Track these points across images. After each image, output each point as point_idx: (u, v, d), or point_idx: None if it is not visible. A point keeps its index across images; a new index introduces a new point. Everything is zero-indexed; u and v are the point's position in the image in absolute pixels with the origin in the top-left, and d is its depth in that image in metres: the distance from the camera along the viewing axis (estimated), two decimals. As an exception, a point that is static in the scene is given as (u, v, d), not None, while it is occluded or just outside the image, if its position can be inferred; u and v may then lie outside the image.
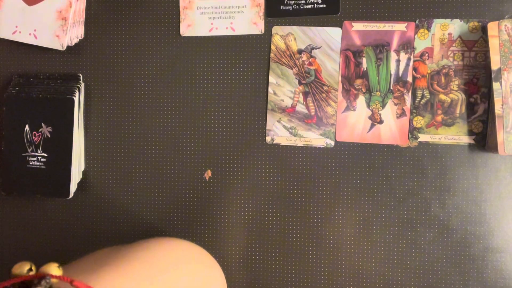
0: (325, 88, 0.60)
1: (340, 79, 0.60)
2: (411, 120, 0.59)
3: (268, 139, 0.61)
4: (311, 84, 0.60)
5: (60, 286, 0.33)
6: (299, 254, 0.61)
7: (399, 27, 0.59)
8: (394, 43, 0.59)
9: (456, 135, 0.58)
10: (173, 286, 0.46)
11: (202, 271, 0.53)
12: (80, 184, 0.63)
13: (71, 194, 0.60)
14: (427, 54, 0.58)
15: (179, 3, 0.62)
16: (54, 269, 0.34)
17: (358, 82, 0.59)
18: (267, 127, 0.61)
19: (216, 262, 0.57)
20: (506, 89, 0.53)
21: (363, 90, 0.59)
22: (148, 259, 0.47)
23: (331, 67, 0.60)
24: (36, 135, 0.60)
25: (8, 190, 0.61)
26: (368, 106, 0.59)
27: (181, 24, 0.62)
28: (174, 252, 0.52)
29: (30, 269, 0.34)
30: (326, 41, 0.60)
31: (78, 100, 0.61)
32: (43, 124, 0.60)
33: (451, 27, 0.58)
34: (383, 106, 0.59)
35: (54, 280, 0.33)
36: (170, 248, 0.52)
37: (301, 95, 0.60)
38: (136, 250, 0.48)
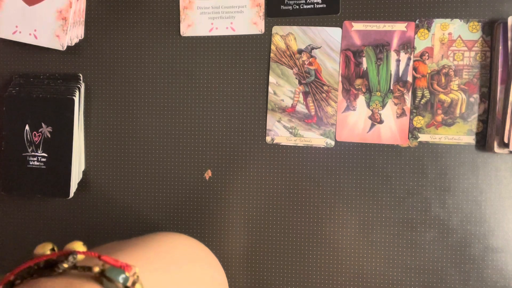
0: (325, 88, 0.60)
1: (340, 79, 0.60)
2: (411, 120, 0.59)
3: (268, 139, 0.61)
4: (311, 84, 0.60)
5: (85, 264, 0.32)
6: (299, 253, 0.61)
7: (399, 27, 0.59)
8: (394, 43, 0.59)
9: (456, 135, 0.58)
10: (182, 279, 0.46)
11: (207, 268, 0.53)
12: (80, 184, 0.63)
13: (71, 194, 0.60)
14: (427, 54, 0.58)
15: (179, 3, 0.62)
16: (79, 246, 0.33)
17: (358, 82, 0.59)
18: (267, 127, 0.61)
19: (218, 261, 0.57)
20: None
21: (363, 90, 0.59)
22: (161, 251, 0.46)
23: (331, 67, 0.60)
24: (36, 135, 0.60)
25: (8, 190, 0.61)
26: (368, 106, 0.59)
27: (181, 24, 0.62)
28: (183, 247, 0.52)
29: (53, 249, 0.33)
30: (326, 41, 0.60)
31: (78, 100, 0.61)
32: (43, 124, 0.60)
33: (451, 27, 0.58)
34: (383, 106, 0.59)
35: (80, 257, 0.32)
36: (178, 243, 0.52)
37: (301, 95, 0.60)
38: (146, 242, 0.47)
